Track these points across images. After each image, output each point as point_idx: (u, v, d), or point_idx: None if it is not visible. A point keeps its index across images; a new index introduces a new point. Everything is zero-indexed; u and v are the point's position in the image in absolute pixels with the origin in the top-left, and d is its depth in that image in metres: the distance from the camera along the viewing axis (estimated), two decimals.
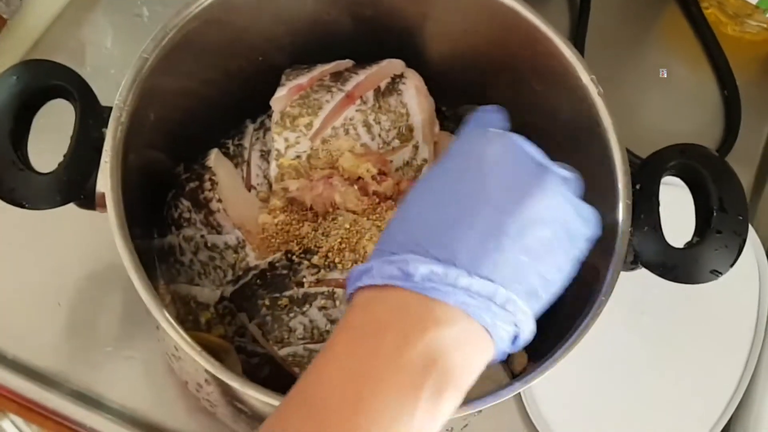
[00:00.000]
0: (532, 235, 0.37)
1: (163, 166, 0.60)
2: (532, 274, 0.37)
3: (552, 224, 0.38)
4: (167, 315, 0.43)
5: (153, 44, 0.50)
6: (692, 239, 0.50)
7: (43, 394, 0.59)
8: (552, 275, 0.38)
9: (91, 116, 0.47)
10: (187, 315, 0.57)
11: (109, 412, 0.59)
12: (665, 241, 0.49)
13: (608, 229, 0.50)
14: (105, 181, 0.46)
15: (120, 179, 0.46)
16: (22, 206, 0.45)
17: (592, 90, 0.52)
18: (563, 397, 0.62)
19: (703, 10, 0.80)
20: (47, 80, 0.47)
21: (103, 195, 0.46)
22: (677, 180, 0.52)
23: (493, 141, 0.41)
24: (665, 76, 0.78)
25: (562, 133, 0.58)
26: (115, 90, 0.49)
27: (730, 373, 0.65)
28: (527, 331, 0.38)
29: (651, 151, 0.52)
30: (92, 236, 0.63)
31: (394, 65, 0.61)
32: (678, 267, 0.48)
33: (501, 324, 0.36)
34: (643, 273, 0.49)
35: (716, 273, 0.49)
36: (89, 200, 0.47)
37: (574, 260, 0.40)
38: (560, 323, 0.54)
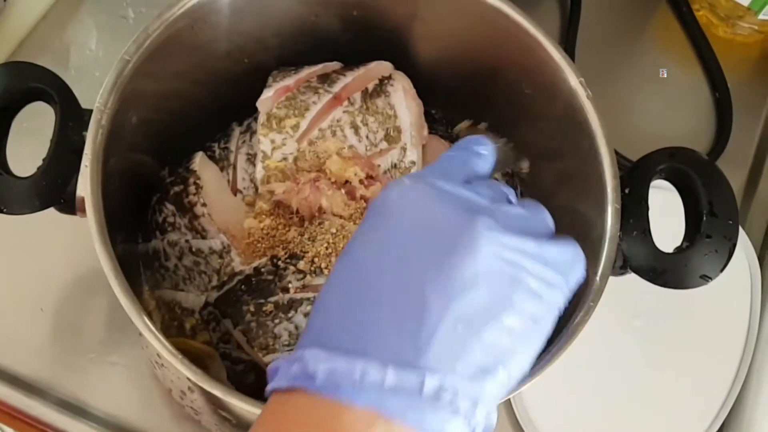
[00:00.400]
0: (464, 301, 0.30)
1: (148, 169, 0.59)
2: (475, 347, 0.29)
3: (491, 281, 0.30)
4: (148, 322, 0.42)
5: (135, 46, 0.49)
6: (682, 244, 0.49)
7: (26, 401, 0.58)
8: (508, 341, 0.30)
9: (72, 119, 0.47)
10: (172, 321, 0.56)
11: (93, 420, 0.58)
12: (655, 245, 0.48)
13: (597, 233, 0.50)
14: (85, 186, 0.45)
15: (100, 183, 0.45)
16: (0, 211, 0.44)
17: (581, 93, 0.51)
18: (554, 402, 0.61)
19: (694, 12, 0.80)
20: (27, 82, 0.46)
21: (83, 199, 0.45)
22: (667, 183, 0.51)
23: (405, 194, 0.33)
24: (665, 76, 0.77)
25: (552, 136, 0.57)
26: (98, 92, 0.49)
27: (723, 376, 0.64)
28: (487, 419, 0.30)
29: (642, 154, 0.51)
30: (76, 240, 0.62)
31: (382, 67, 0.60)
32: (668, 272, 0.48)
33: (438, 421, 0.28)
34: (634, 276, 0.49)
35: (706, 278, 0.48)
36: (69, 205, 0.46)
37: (541, 317, 0.32)
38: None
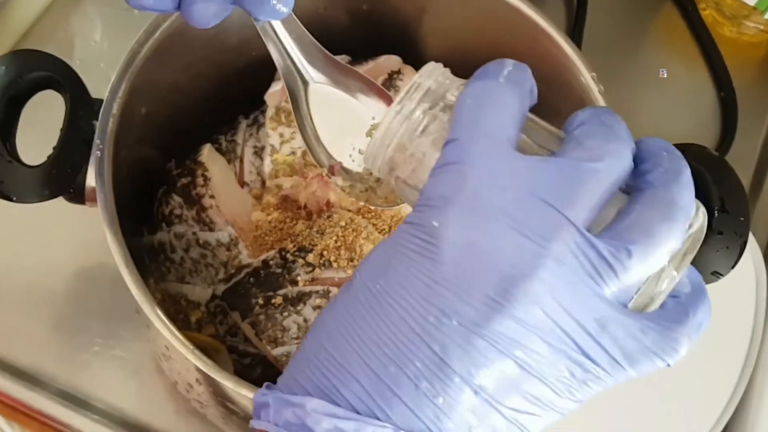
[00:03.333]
0: (492, 371, 0.25)
1: (153, 161, 0.59)
2: (496, 417, 0.26)
3: (529, 351, 0.25)
4: (159, 313, 0.42)
5: (145, 35, 0.49)
6: None
7: (28, 393, 0.58)
8: (536, 409, 0.26)
9: (82, 108, 0.46)
10: (177, 314, 0.56)
11: (95, 413, 0.58)
12: None
13: None
14: (96, 175, 0.44)
15: (111, 173, 0.45)
16: (9, 199, 0.44)
17: (593, 88, 0.51)
18: None
19: (700, 11, 0.80)
20: (37, 71, 0.46)
21: (93, 189, 0.45)
22: None
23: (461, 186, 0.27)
24: (665, 76, 0.77)
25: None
26: (103, 84, 0.48)
27: (727, 375, 0.64)
28: None
29: None
30: (80, 233, 0.61)
31: (391, 61, 0.60)
32: None
33: None
34: None
35: (717, 275, 0.48)
36: (79, 194, 0.46)
37: (578, 397, 0.27)
38: None
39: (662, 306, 0.28)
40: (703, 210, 0.29)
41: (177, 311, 0.56)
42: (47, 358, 0.59)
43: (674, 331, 0.27)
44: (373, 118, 0.40)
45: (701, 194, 0.49)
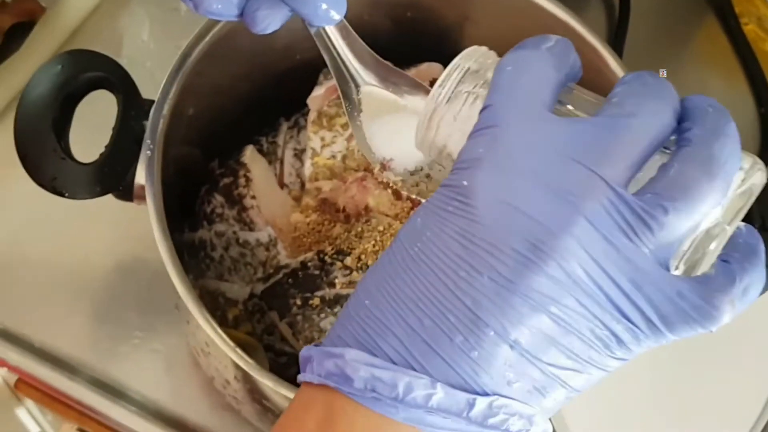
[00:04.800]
0: (528, 326, 0.26)
1: (197, 161, 0.60)
2: (533, 371, 0.27)
3: (564, 306, 0.26)
4: (203, 310, 0.43)
5: (196, 38, 0.50)
6: None
7: (67, 382, 0.59)
8: (572, 364, 0.27)
9: (133, 108, 0.48)
10: (215, 311, 0.57)
11: (132, 404, 0.59)
12: None
13: None
14: (145, 174, 0.46)
15: (160, 172, 0.46)
16: (62, 195, 0.45)
17: None
18: (585, 396, 0.61)
19: (742, 26, 0.79)
20: (91, 70, 0.47)
21: (142, 187, 0.46)
22: None
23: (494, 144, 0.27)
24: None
25: None
26: (150, 83, 0.49)
27: (762, 381, 0.64)
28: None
29: None
30: (121, 228, 0.63)
31: (432, 68, 0.60)
32: None
33: None
34: None
35: None
36: (127, 192, 0.47)
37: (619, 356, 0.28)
38: None
39: (712, 268, 0.27)
40: (761, 165, 0.28)
41: (215, 308, 0.57)
42: (86, 348, 0.61)
43: (715, 296, 0.26)
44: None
45: None
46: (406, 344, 0.27)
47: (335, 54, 0.39)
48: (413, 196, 0.51)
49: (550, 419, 0.29)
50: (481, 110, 0.29)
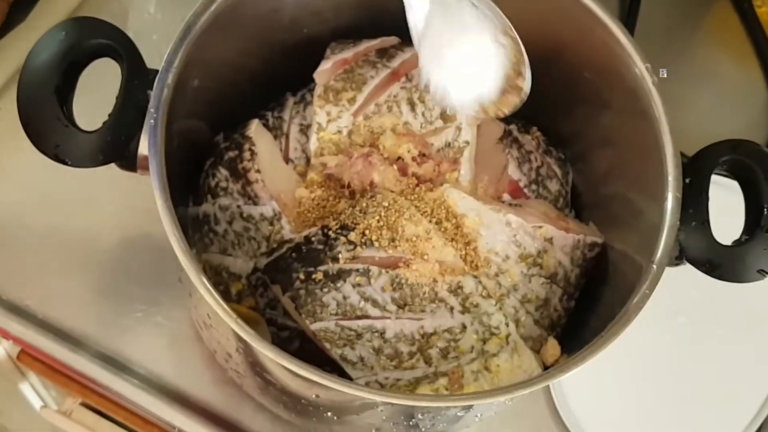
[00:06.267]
0: None
1: (202, 134, 0.60)
2: None
3: None
4: (205, 281, 0.42)
5: (202, 7, 0.49)
6: (741, 237, 0.48)
7: (70, 355, 0.59)
8: None
9: (137, 77, 0.47)
10: (218, 285, 0.57)
11: (135, 377, 0.59)
12: (713, 237, 0.47)
13: (652, 222, 0.49)
14: (148, 143, 0.45)
15: (163, 142, 0.46)
16: (65, 163, 0.45)
17: (647, 79, 0.51)
18: (593, 391, 0.61)
19: (755, 8, 0.78)
20: (96, 38, 0.47)
21: (145, 157, 0.46)
22: (722, 178, 0.51)
23: None
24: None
25: (612, 124, 0.57)
26: (156, 56, 0.49)
27: (764, 376, 0.63)
28: None
29: (693, 147, 0.51)
30: (126, 199, 0.63)
31: None
32: (724, 265, 0.47)
33: None
34: (679, 272, 0.48)
35: (763, 273, 0.48)
36: (131, 161, 0.47)
37: None
38: (598, 318, 0.53)
39: None
40: None
41: (218, 282, 0.57)
42: (90, 320, 0.61)
43: None
44: None
45: (752, 191, 0.49)
46: None
47: None
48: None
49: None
50: None
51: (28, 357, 0.62)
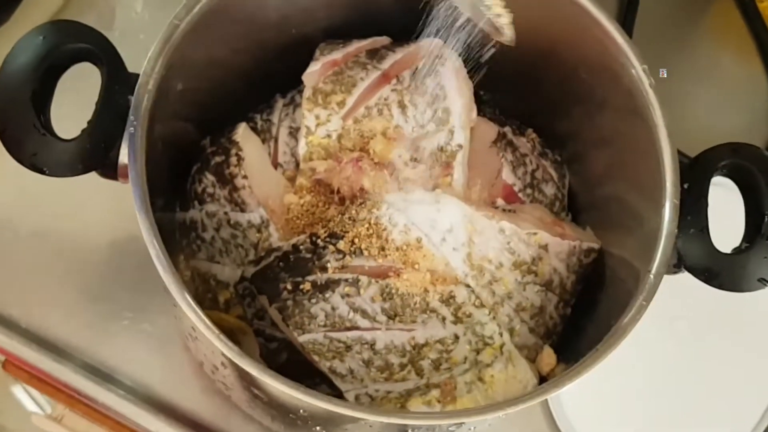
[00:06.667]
0: None
1: (189, 137, 0.58)
2: None
3: None
4: (187, 297, 0.41)
5: (185, 10, 0.48)
6: (740, 245, 0.47)
7: (55, 365, 0.58)
8: None
9: (118, 82, 0.45)
10: (206, 293, 0.55)
11: (121, 388, 0.58)
12: (712, 245, 0.46)
13: (650, 227, 0.48)
14: (129, 152, 0.44)
15: (145, 150, 0.44)
16: (42, 172, 0.43)
17: (644, 81, 0.49)
18: (591, 399, 0.60)
19: (757, 3, 0.77)
20: (75, 42, 0.45)
21: (125, 165, 0.44)
22: (725, 180, 0.49)
23: None
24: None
25: (606, 124, 0.55)
26: (143, 56, 0.47)
27: (763, 386, 0.62)
28: None
29: (693, 146, 0.49)
30: (112, 203, 0.61)
31: (432, 45, 0.58)
32: (724, 273, 0.46)
33: None
34: (679, 279, 0.47)
35: (764, 282, 0.46)
36: (112, 169, 0.45)
37: None
38: (594, 326, 0.51)
39: None
40: None
41: (206, 290, 0.55)
42: (74, 329, 0.60)
43: None
44: None
45: (753, 197, 0.47)
46: None
47: None
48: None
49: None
50: None
51: (13, 366, 0.61)
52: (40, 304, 0.60)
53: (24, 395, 0.81)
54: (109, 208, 0.62)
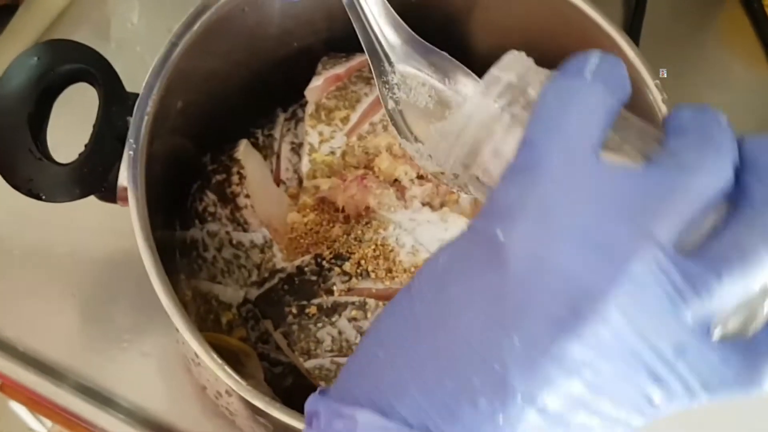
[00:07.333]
0: (557, 392, 0.23)
1: (189, 153, 0.57)
2: (560, 431, 0.24)
3: (598, 371, 0.23)
4: (190, 325, 0.40)
5: (183, 28, 0.46)
6: None
7: (53, 389, 0.56)
8: (596, 422, 0.24)
9: (116, 103, 0.44)
10: (208, 314, 0.54)
11: (120, 411, 0.56)
12: None
13: None
14: (128, 175, 0.42)
15: (144, 173, 0.43)
16: (39, 198, 0.42)
17: (656, 96, 0.48)
18: None
19: (765, 8, 0.75)
20: (70, 62, 0.44)
21: (125, 189, 0.43)
22: None
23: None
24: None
25: None
26: (140, 68, 0.46)
27: None
28: None
29: None
30: (111, 224, 0.59)
31: None
32: None
33: None
34: None
35: None
36: (111, 193, 0.44)
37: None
38: None
39: (755, 334, 0.25)
40: None
41: (207, 311, 0.54)
42: (73, 351, 0.58)
43: (760, 363, 0.24)
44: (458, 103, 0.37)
45: None
46: (424, 407, 0.24)
47: (368, 26, 0.35)
48: (453, 189, 0.47)
49: None
50: (520, 146, 0.25)
51: (11, 389, 0.59)
52: (37, 326, 0.58)
53: (22, 409, 0.80)
54: (107, 226, 0.60)
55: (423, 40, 0.37)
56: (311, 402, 0.27)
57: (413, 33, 0.37)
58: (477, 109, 0.28)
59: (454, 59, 0.37)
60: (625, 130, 0.27)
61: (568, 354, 0.23)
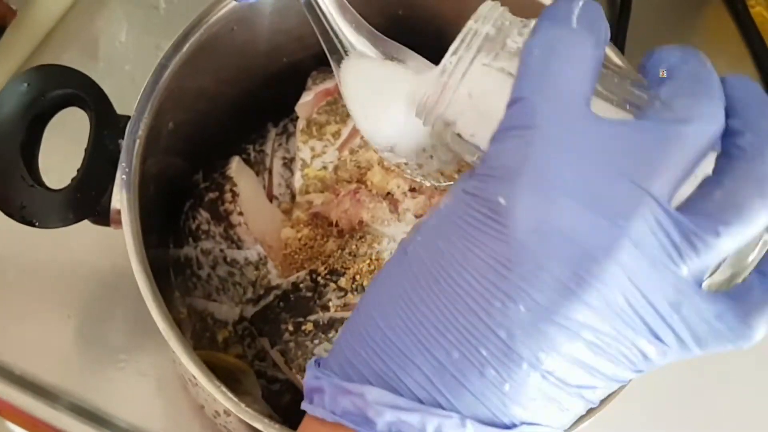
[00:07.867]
0: (562, 354, 0.24)
1: (181, 171, 0.57)
2: (565, 398, 0.25)
3: (601, 332, 0.24)
4: (187, 347, 0.40)
5: (172, 49, 0.46)
6: None
7: (50, 412, 0.56)
8: (598, 381, 0.25)
9: (107, 127, 0.44)
10: (204, 332, 0.54)
11: None
12: None
13: None
14: (121, 199, 0.42)
15: (137, 196, 0.43)
16: (31, 225, 0.42)
17: None
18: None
19: (749, 9, 0.76)
20: (61, 87, 0.44)
21: (118, 212, 0.43)
22: None
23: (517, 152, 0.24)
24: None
25: None
26: (130, 87, 0.46)
27: None
28: None
29: None
30: (105, 244, 0.60)
31: None
32: None
33: None
34: None
35: None
36: (104, 216, 0.44)
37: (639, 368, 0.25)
38: None
39: (744, 281, 0.25)
40: None
41: (203, 329, 0.54)
42: (69, 372, 0.58)
43: (751, 315, 0.25)
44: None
45: None
46: (433, 379, 0.25)
47: (325, 21, 0.35)
48: (417, 180, 0.47)
49: None
50: (511, 102, 0.25)
51: (7, 411, 0.59)
52: (33, 349, 0.58)
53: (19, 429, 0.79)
54: (100, 246, 0.61)
55: (382, 35, 0.37)
56: (312, 378, 0.27)
57: (372, 29, 0.37)
58: (456, 66, 0.28)
59: (414, 52, 0.37)
60: (608, 78, 0.26)
61: (572, 318, 0.23)
